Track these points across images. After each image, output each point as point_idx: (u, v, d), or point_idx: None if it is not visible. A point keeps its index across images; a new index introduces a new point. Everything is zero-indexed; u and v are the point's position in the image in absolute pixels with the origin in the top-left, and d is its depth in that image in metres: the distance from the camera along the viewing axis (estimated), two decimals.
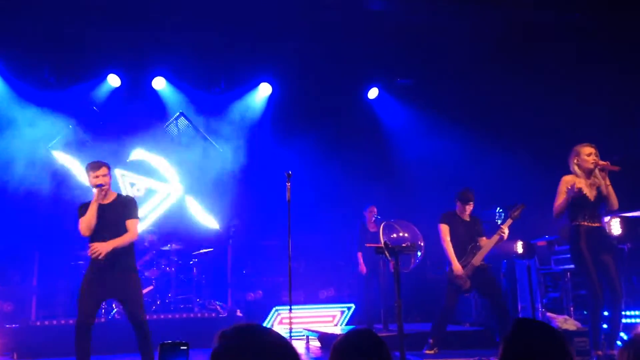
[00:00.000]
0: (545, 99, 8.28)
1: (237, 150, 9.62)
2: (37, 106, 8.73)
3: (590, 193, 5.11)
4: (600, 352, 4.94)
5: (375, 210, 8.28)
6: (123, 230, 4.92)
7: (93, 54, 8.66)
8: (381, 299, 7.88)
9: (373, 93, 10.03)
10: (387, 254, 4.92)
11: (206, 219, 9.68)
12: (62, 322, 7.58)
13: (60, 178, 8.92)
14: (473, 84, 9.05)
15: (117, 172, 9.37)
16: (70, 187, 8.91)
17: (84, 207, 4.95)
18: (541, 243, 7.55)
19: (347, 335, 2.15)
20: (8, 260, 8.36)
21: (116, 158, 9.18)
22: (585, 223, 5.08)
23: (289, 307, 5.63)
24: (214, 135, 9.84)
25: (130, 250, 4.99)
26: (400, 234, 4.96)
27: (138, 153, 9.58)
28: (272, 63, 9.26)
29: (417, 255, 4.96)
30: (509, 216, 6.01)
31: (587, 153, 5.17)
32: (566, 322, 6.27)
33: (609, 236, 5.32)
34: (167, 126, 9.77)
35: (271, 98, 9.85)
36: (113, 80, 9.12)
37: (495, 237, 5.99)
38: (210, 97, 9.63)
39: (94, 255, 4.74)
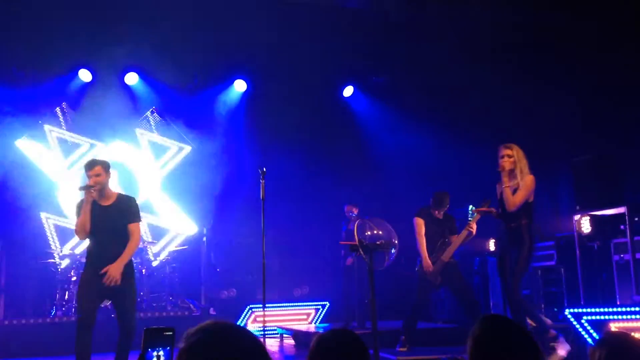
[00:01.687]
0: (518, 96, 8.40)
1: (211, 147, 9.53)
2: (5, 102, 8.53)
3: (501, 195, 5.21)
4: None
5: (354, 209, 8.12)
6: (124, 233, 4.73)
7: (63, 49, 8.49)
8: (356, 297, 7.89)
9: (348, 91, 10.04)
10: (362, 252, 4.93)
11: (179, 216, 9.57)
12: (32, 321, 7.44)
13: (26, 173, 8.73)
14: (447, 81, 9.11)
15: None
16: (37, 182, 8.75)
17: (80, 205, 4.73)
18: None
19: (326, 335, 2.13)
20: None
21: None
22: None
23: (262, 305, 5.59)
24: (188, 132, 9.74)
25: None
26: (375, 232, 4.95)
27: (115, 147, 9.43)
28: (247, 59, 9.21)
29: (392, 253, 4.97)
30: (476, 212, 6.05)
31: (499, 155, 5.19)
32: None
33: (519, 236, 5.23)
34: (140, 122, 9.63)
35: (246, 95, 9.79)
36: (84, 76, 8.96)
37: (464, 233, 6.03)
38: (184, 93, 9.52)
39: (110, 284, 4.55)
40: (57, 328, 7.41)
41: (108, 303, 5.57)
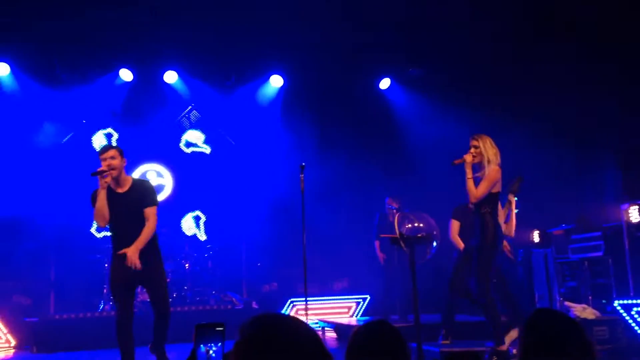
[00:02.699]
0: (561, 84, 8.17)
1: (250, 142, 9.61)
2: (49, 102, 8.79)
3: None
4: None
5: (395, 203, 8.09)
6: (142, 219, 4.63)
7: (104, 49, 8.67)
8: (397, 290, 7.86)
9: (385, 83, 9.96)
10: (403, 245, 4.91)
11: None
12: (80, 315, 7.66)
13: (75, 172, 8.98)
14: (485, 72, 8.95)
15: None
16: (86, 181, 8.97)
17: (96, 194, 4.65)
18: (558, 232, 7.47)
19: (364, 327, 2.13)
20: (25, 255, 8.43)
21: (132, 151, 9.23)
22: None
23: (304, 299, 5.62)
24: (226, 128, 9.84)
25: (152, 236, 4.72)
26: (415, 224, 4.93)
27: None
28: (283, 54, 9.22)
29: (433, 245, 4.93)
30: (509, 191, 5.90)
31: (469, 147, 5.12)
32: (585, 311, 6.20)
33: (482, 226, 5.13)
34: (180, 119, 9.79)
35: (283, 90, 9.82)
36: (125, 75, 9.14)
37: (505, 211, 5.91)
38: (222, 90, 9.61)
39: (134, 267, 4.48)
40: (104, 322, 7.61)
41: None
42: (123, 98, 9.31)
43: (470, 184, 4.99)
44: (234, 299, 8.63)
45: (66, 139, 9.15)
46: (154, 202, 4.71)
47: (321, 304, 8.89)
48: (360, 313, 9.03)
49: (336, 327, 7.98)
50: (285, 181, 8.67)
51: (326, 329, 8.33)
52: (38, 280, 8.58)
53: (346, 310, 9.05)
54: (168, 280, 8.38)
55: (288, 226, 9.20)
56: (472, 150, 5.05)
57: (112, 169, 4.55)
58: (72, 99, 8.93)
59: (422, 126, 9.83)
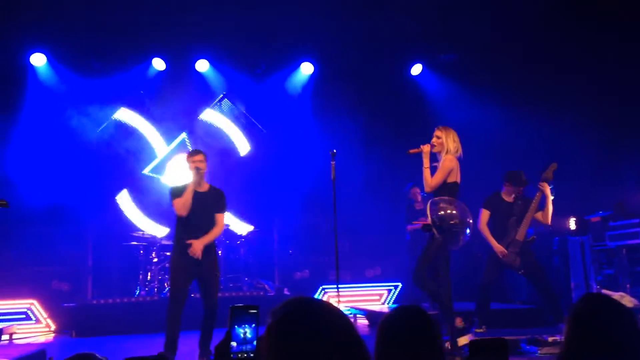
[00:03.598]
0: (594, 68, 7.95)
1: (281, 130, 9.63)
2: (85, 92, 8.96)
3: None
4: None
5: (418, 190, 8.16)
6: (211, 220, 5.18)
7: (137, 39, 8.78)
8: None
9: (417, 69, 9.85)
10: (435, 231, 4.86)
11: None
12: (117, 300, 7.84)
13: (112, 163, 9.16)
14: (520, 56, 8.76)
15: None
16: (120, 171, 9.15)
17: (178, 190, 5.18)
18: (595, 219, 7.31)
19: (395, 312, 2.10)
20: (63, 241, 8.65)
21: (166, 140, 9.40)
22: None
23: (336, 286, 5.63)
24: (258, 116, 9.88)
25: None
26: (448, 211, 4.87)
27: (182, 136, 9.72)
28: (314, 42, 9.19)
29: (466, 232, 4.87)
30: (542, 179, 5.79)
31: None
32: (622, 299, 6.07)
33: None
34: (211, 108, 9.86)
35: (313, 77, 9.80)
36: (158, 64, 9.24)
37: (534, 205, 5.81)
38: (253, 78, 9.64)
39: (195, 256, 4.99)
40: (140, 307, 7.79)
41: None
42: (156, 87, 9.43)
43: (426, 173, 5.06)
44: (266, 285, 8.72)
45: (101, 127, 9.31)
46: (224, 209, 5.34)
47: (353, 291, 8.91)
48: (392, 300, 9.02)
49: (368, 314, 7.99)
50: (316, 168, 8.68)
51: (358, 315, 8.35)
52: (76, 266, 8.81)
53: (378, 297, 9.05)
54: None
55: (319, 213, 9.24)
56: (434, 140, 5.14)
57: (201, 170, 5.14)
58: (107, 88, 9.08)
59: (454, 112, 9.68)
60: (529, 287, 8.12)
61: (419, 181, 8.30)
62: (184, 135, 9.65)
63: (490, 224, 6.13)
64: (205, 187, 5.28)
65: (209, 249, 5.15)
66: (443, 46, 9.52)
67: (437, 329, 2.03)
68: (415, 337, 1.97)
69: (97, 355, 1.83)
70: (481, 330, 6.05)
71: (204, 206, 5.18)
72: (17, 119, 8.75)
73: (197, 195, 5.16)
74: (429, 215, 4.94)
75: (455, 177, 5.11)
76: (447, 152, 5.08)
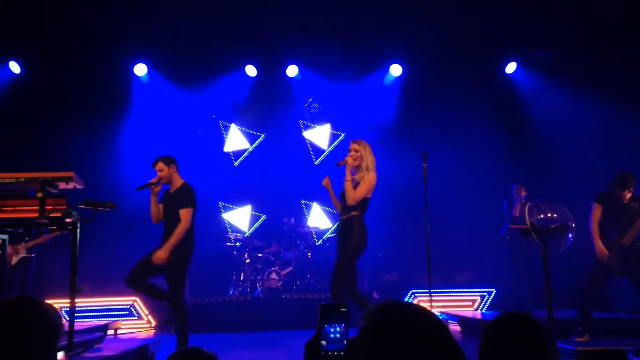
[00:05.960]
0: None
1: (369, 132, 9.60)
2: (181, 99, 9.38)
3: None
4: None
5: (523, 190, 7.85)
6: (177, 218, 5.25)
7: (231, 47, 9.08)
8: (526, 284, 7.51)
9: (511, 68, 9.52)
10: (534, 236, 4.66)
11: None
12: (213, 299, 8.12)
13: (206, 164, 9.54)
14: (618, 51, 8.24)
15: None
16: (217, 172, 9.52)
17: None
18: None
19: (501, 318, 2.02)
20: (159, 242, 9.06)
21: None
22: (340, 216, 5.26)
23: (426, 290, 5.54)
24: (346, 119, 9.92)
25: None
26: (549, 215, 4.65)
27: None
28: (403, 43, 9.10)
29: (568, 237, 4.63)
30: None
31: (348, 149, 5.22)
32: None
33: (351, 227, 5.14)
34: (301, 111, 10.02)
35: (402, 79, 9.70)
36: (250, 71, 9.51)
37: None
38: (341, 81, 9.69)
39: (158, 263, 5.17)
40: (234, 306, 8.03)
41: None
42: (248, 93, 9.72)
43: (349, 185, 5.08)
44: None
45: (198, 133, 9.72)
46: (187, 204, 5.33)
47: (444, 295, 8.70)
48: (485, 307, 8.73)
49: (460, 320, 7.78)
50: (406, 171, 8.57)
51: (449, 322, 8.15)
52: None
53: (470, 303, 8.79)
54: (291, 269, 8.67)
55: (408, 216, 9.11)
56: (353, 153, 5.17)
57: (162, 178, 5.37)
58: (202, 95, 9.47)
59: (551, 111, 9.27)
60: (633, 295, 7.61)
61: (517, 182, 8.06)
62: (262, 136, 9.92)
63: (600, 222, 5.82)
64: (176, 185, 5.42)
65: (175, 248, 5.21)
66: (539, 43, 9.13)
67: (545, 337, 1.94)
68: (523, 345, 1.89)
69: (204, 350, 1.89)
70: (584, 339, 5.74)
71: (170, 206, 5.32)
72: (123, 125, 9.29)
73: (168, 197, 5.38)
74: (526, 219, 4.75)
75: (372, 192, 5.21)
76: (367, 167, 5.13)
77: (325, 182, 5.27)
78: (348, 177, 5.13)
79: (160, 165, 5.39)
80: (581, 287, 5.96)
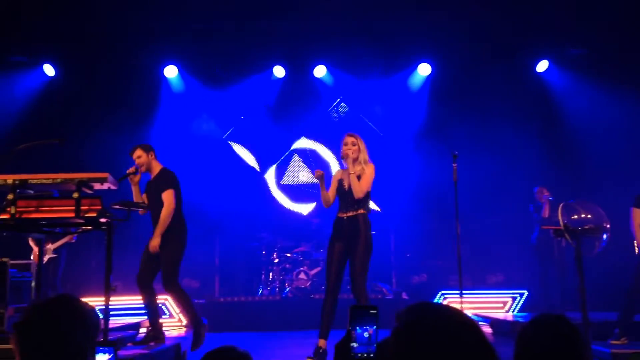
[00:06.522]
0: None
1: (399, 132, 9.57)
2: (211, 100, 9.49)
3: (346, 183, 5.05)
4: None
5: (545, 191, 7.78)
6: (161, 203, 5.19)
7: (259, 48, 9.13)
8: (558, 286, 7.39)
9: (542, 66, 9.36)
10: (568, 237, 4.58)
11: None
12: (242, 299, 8.18)
13: (235, 164, 9.63)
14: None
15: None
16: (245, 172, 9.60)
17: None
18: None
19: (537, 320, 1.98)
20: (194, 241, 9.17)
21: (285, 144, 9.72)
22: (338, 214, 5.11)
23: (457, 292, 5.49)
24: (375, 119, 9.89)
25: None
26: (582, 215, 4.57)
27: (302, 142, 9.99)
28: (432, 41, 9.02)
29: (603, 238, 4.54)
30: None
31: (344, 143, 5.08)
32: None
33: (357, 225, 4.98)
34: (329, 112, 10.03)
35: (431, 78, 9.63)
36: (278, 72, 9.55)
37: None
38: (369, 81, 9.67)
39: (154, 251, 5.16)
40: (263, 306, 8.08)
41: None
42: (276, 93, 9.77)
43: (354, 179, 4.96)
44: (384, 289, 8.68)
45: (227, 134, 9.82)
46: (168, 186, 5.24)
47: (474, 297, 8.60)
48: (517, 309, 8.61)
49: (491, 322, 7.69)
50: (436, 171, 8.52)
51: (481, 323, 8.07)
52: (205, 265, 9.29)
53: (501, 305, 8.68)
54: (320, 269, 8.68)
55: (437, 216, 9.04)
56: (350, 146, 5.05)
57: (141, 165, 5.29)
58: (231, 96, 9.56)
59: (584, 110, 9.09)
60: None
61: (541, 183, 7.94)
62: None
63: None
64: (155, 171, 5.35)
65: (165, 236, 5.16)
66: (572, 39, 8.97)
67: (582, 340, 1.91)
68: (560, 349, 1.86)
69: (239, 348, 1.91)
70: (620, 342, 5.61)
71: (153, 192, 5.27)
72: (153, 125, 9.43)
73: (150, 185, 5.33)
74: (560, 220, 4.67)
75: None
76: (365, 161, 5.02)
77: (319, 174, 4.99)
78: (352, 170, 5.02)
79: (139, 152, 5.33)
80: (627, 291, 5.83)
